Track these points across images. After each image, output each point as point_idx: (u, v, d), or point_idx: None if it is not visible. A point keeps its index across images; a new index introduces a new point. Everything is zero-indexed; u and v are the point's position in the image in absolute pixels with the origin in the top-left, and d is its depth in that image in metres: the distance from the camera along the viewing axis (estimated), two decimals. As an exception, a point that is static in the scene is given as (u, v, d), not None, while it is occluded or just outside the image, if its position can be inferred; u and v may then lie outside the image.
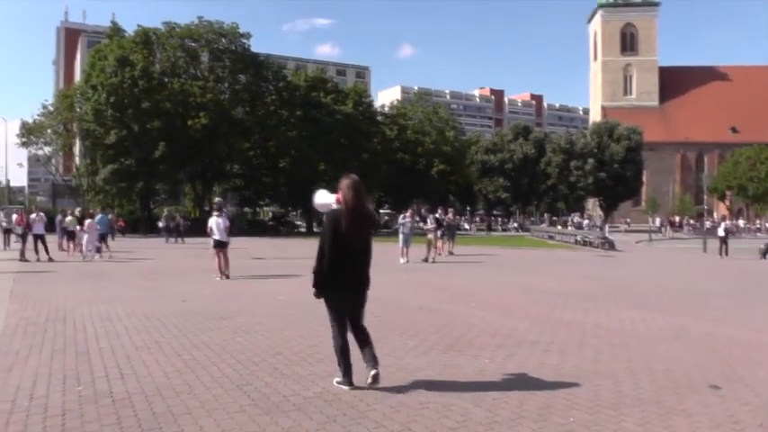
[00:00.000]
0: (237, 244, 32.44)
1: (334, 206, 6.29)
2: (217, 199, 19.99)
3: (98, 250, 25.71)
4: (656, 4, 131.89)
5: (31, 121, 63.21)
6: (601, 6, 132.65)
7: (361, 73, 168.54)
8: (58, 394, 6.04)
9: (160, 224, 46.57)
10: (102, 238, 27.02)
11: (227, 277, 17.01)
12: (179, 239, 41.83)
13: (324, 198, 6.65)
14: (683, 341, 8.99)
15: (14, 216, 28.65)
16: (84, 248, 25.18)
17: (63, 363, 7.32)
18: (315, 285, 6.17)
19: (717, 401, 6.04)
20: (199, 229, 31.27)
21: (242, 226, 60.43)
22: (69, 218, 28.27)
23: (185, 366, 7.13)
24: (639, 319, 10.87)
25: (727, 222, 38.19)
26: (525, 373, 6.98)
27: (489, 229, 71.31)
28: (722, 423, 5.40)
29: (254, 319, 10.35)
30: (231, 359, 7.48)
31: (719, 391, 6.41)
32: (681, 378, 6.87)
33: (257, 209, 76.06)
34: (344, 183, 6.22)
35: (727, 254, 30.56)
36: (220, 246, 17.26)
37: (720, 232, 32.36)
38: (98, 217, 27.69)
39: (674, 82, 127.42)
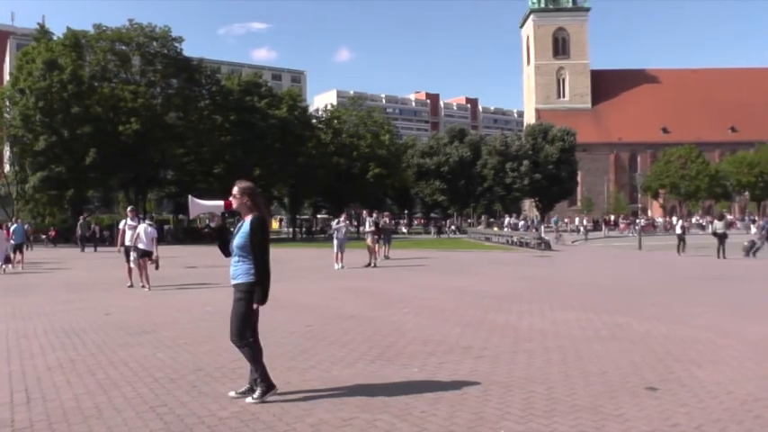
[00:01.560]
0: (172, 252, 31.94)
1: (217, 211, 6.26)
2: (130, 207, 19.55)
3: (7, 260, 24.76)
4: (587, 9, 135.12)
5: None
6: (533, 11, 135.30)
7: (297, 77, 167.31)
8: (-46, 426, 5.60)
9: (77, 233, 45.32)
10: (18, 248, 26.30)
11: (147, 288, 16.53)
12: (95, 248, 41.35)
13: (205, 204, 6.37)
14: (620, 341, 8.94)
15: None
16: None
17: (-33, 388, 6.83)
18: (266, 293, 6.07)
19: (653, 404, 5.94)
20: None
21: (177, 234, 59.57)
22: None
23: (98, 387, 6.74)
24: (574, 319, 10.82)
25: (683, 221, 39.14)
26: (456, 381, 6.80)
27: (440, 232, 70.49)
28: (658, 427, 5.30)
29: (179, 332, 9.96)
30: (148, 377, 7.11)
31: (656, 392, 6.33)
32: (616, 381, 6.77)
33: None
34: (252, 189, 6.26)
35: (684, 251, 31.09)
36: (145, 255, 16.87)
37: (678, 230, 32.96)
38: (13, 227, 27.03)
39: (606, 85, 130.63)
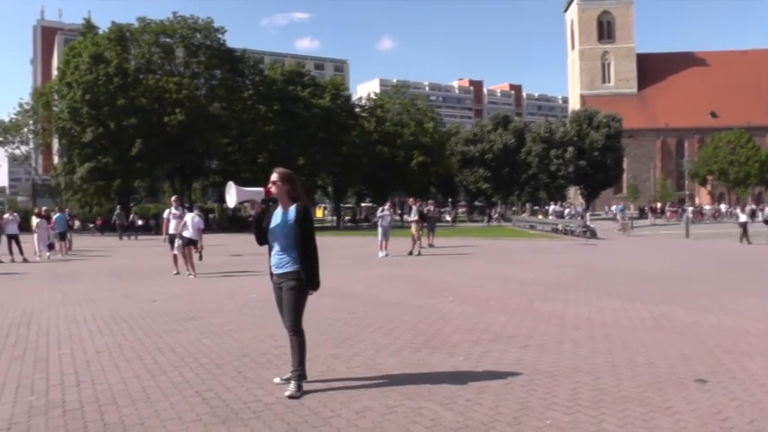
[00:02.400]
0: (217, 240, 32.28)
1: (258, 198, 6.12)
2: (174, 196, 19.82)
3: (51, 247, 25.73)
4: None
5: (7, 120, 62.35)
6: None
7: (340, 66, 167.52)
8: (7, 406, 5.72)
9: (115, 222, 46.44)
10: (61, 236, 27.38)
11: (193, 275, 16.73)
12: (132, 236, 42.88)
13: (245, 190, 6.13)
14: (667, 332, 8.70)
15: None
16: (35, 248, 24.94)
17: (20, 370, 6.99)
18: (317, 280, 6.10)
19: (703, 397, 5.74)
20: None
21: (222, 222, 60.20)
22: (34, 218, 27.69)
23: (146, 371, 6.82)
24: (621, 309, 10.61)
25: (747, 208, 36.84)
26: (501, 370, 6.69)
27: (490, 219, 70.48)
28: (709, 421, 5.12)
29: (224, 318, 10.03)
30: (194, 363, 7.16)
31: (705, 385, 6.12)
32: (664, 372, 6.58)
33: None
34: (292, 175, 6.18)
35: (749, 241, 29.12)
36: (190, 243, 17.15)
37: (742, 218, 30.84)
38: (55, 216, 27.92)
39: (653, 68, 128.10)
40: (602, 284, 14.14)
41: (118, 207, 47.34)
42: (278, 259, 6.03)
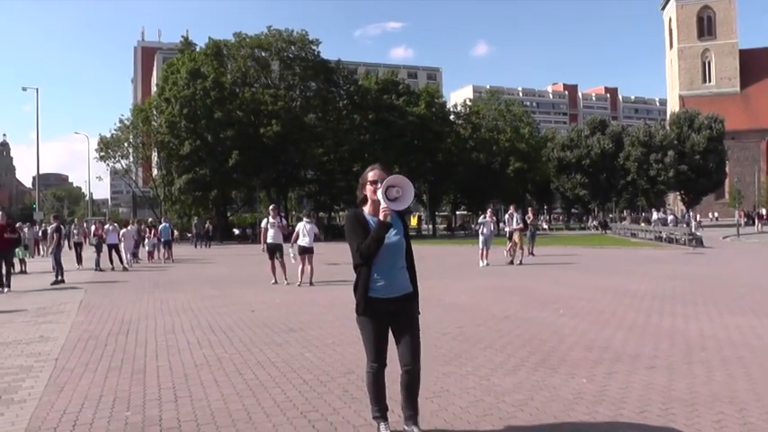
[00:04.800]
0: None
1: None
2: (272, 206, 19.87)
3: (134, 255, 27.53)
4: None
5: (108, 135, 64.68)
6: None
7: (432, 74, 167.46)
8: (103, 421, 5.45)
9: (192, 231, 49.19)
10: (167, 244, 29.78)
11: (311, 284, 16.80)
12: (207, 244, 44.95)
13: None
14: (808, 353, 7.73)
15: (92, 227, 30.06)
16: (123, 257, 25.77)
17: (117, 382, 6.78)
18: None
19: None
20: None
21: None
22: (130, 227, 28.98)
23: (246, 388, 6.44)
24: (747, 326, 9.63)
25: None
26: (631, 396, 5.98)
27: (605, 227, 64.42)
28: None
29: (326, 330, 9.63)
30: (297, 379, 6.75)
31: None
32: (819, 404, 5.68)
33: (332, 213, 75.92)
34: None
35: None
36: (305, 252, 17.09)
37: None
38: (162, 225, 30.37)
39: (757, 65, 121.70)
40: (721, 297, 13.05)
41: (196, 217, 48.56)
42: (391, 279, 4.73)
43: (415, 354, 4.78)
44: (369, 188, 4.75)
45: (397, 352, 4.80)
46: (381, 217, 4.52)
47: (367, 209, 4.79)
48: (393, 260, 4.74)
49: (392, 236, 4.67)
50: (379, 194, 4.50)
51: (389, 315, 4.74)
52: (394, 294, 4.71)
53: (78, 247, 27.69)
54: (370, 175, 4.75)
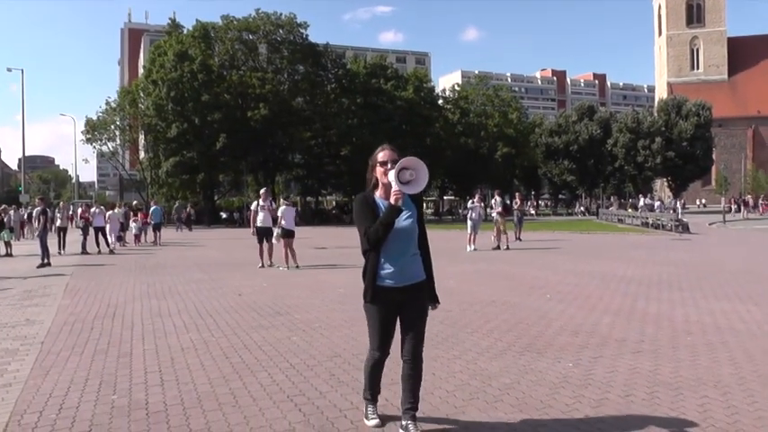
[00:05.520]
0: (301, 233, 32.10)
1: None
2: (263, 189, 19.95)
3: (119, 239, 27.56)
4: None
5: (95, 118, 64.27)
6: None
7: (421, 59, 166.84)
8: (89, 404, 5.43)
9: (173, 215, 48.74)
10: (157, 227, 29.95)
11: (297, 267, 16.96)
12: (187, 228, 44.49)
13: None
14: (792, 339, 7.79)
15: (78, 210, 29.48)
16: (109, 240, 25.81)
17: (103, 366, 6.76)
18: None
19: None
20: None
21: (305, 215, 60.64)
22: (116, 210, 29.01)
23: (233, 371, 6.44)
24: (732, 311, 9.70)
25: None
26: (617, 380, 6.02)
27: (592, 213, 66.12)
28: None
29: (312, 314, 9.63)
30: (284, 363, 6.75)
31: None
32: (804, 390, 5.73)
33: (320, 198, 75.86)
34: None
35: None
36: (287, 235, 17.25)
37: None
38: (152, 209, 30.73)
39: (744, 53, 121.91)
40: (707, 283, 13.13)
41: (177, 201, 48.51)
42: (401, 267, 4.48)
43: (417, 347, 4.66)
44: (379, 170, 4.49)
45: (401, 340, 4.65)
46: (393, 200, 4.24)
47: (378, 192, 4.54)
48: (404, 246, 4.48)
49: (402, 220, 4.40)
50: (391, 176, 4.25)
51: (398, 304, 4.55)
52: (404, 283, 4.48)
53: (62, 231, 26.15)
54: (381, 155, 4.50)
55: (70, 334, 8.56)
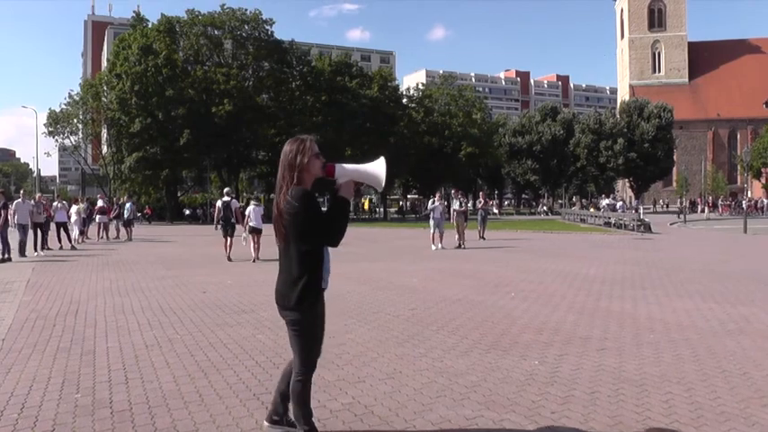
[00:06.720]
0: (267, 231, 32.05)
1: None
2: (226, 189, 20.27)
3: (81, 233, 27.32)
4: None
5: (57, 111, 63.31)
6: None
7: (386, 58, 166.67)
8: (52, 403, 5.35)
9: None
10: (128, 223, 30.03)
11: (258, 258, 18.15)
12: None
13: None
14: (752, 336, 7.95)
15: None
16: (71, 235, 25.49)
17: (65, 364, 6.66)
18: None
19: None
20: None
21: (268, 213, 60.45)
22: (79, 205, 28.40)
23: (198, 369, 6.39)
24: (694, 309, 9.89)
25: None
26: (582, 376, 6.11)
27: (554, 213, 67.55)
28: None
29: (277, 312, 9.54)
30: (249, 360, 6.73)
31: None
32: (763, 384, 5.86)
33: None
34: None
35: None
36: (254, 231, 18.54)
37: None
38: (127, 204, 30.62)
39: (705, 57, 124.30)
40: (669, 282, 13.37)
41: (130, 201, 47.99)
42: (328, 267, 4.21)
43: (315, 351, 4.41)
44: (316, 161, 4.10)
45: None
46: (353, 191, 4.10)
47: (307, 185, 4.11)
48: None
49: None
50: (354, 167, 4.15)
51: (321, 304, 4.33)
52: (326, 285, 4.23)
53: (39, 228, 22.84)
54: (315, 147, 4.14)
55: (32, 331, 8.43)
